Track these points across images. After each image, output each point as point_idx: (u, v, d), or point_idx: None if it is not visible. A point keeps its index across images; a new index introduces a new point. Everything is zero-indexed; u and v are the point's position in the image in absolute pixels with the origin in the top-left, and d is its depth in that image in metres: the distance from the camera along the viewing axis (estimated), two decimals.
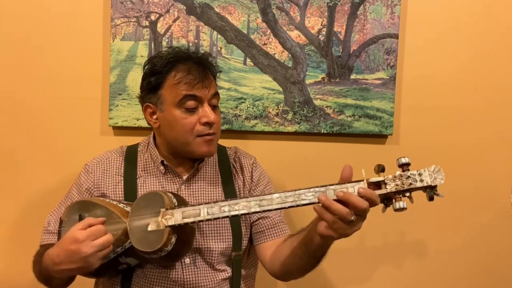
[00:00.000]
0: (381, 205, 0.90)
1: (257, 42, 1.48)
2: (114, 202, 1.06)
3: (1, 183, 1.52)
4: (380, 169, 0.90)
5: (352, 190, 0.88)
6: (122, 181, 1.15)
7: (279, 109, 1.49)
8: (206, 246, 1.11)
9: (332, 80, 1.48)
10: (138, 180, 1.16)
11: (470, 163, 1.51)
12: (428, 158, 1.48)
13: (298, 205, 0.91)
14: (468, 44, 1.49)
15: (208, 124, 1.09)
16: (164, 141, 1.15)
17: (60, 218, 1.10)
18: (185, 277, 1.10)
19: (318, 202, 0.89)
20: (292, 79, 1.48)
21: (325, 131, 1.48)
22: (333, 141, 1.51)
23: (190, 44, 1.47)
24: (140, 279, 1.11)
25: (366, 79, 1.48)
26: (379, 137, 1.51)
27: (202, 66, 1.10)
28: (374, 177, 0.90)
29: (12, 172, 1.52)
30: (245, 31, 1.48)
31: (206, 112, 1.08)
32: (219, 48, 1.49)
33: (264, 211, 0.94)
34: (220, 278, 1.13)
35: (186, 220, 0.95)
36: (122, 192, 1.14)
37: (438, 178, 0.87)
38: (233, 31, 1.48)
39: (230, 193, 1.17)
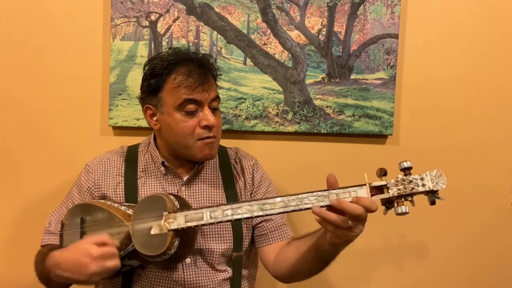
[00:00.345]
0: (382, 208, 0.90)
1: (257, 42, 1.48)
2: (116, 205, 1.06)
3: (1, 183, 1.52)
4: (382, 173, 0.90)
5: (354, 194, 0.89)
6: (123, 182, 1.15)
7: (279, 109, 1.49)
8: (207, 246, 1.11)
9: (332, 80, 1.48)
10: (138, 181, 1.15)
11: (470, 163, 1.51)
12: (428, 158, 1.49)
13: (300, 209, 0.92)
14: (468, 44, 1.49)
15: (208, 127, 1.08)
16: (165, 142, 1.15)
17: (62, 221, 1.10)
18: (185, 277, 1.10)
19: (322, 206, 0.90)
20: (292, 79, 1.48)
21: (325, 131, 1.48)
22: (333, 141, 1.51)
23: (190, 44, 1.47)
24: (141, 280, 1.11)
25: (366, 79, 1.48)
26: (379, 137, 1.51)
27: (202, 69, 1.10)
28: (376, 180, 0.91)
29: (12, 172, 1.52)
30: (245, 31, 1.48)
31: (206, 115, 1.08)
32: (219, 48, 1.49)
33: (266, 215, 0.94)
34: (220, 278, 1.13)
35: (189, 224, 0.95)
36: (123, 193, 1.14)
37: (440, 183, 0.88)
38: (233, 31, 1.48)
39: (231, 194, 1.17)
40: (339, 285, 1.55)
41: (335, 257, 1.00)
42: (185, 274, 1.10)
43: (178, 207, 0.99)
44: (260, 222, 1.18)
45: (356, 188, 0.90)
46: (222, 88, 1.46)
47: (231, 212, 0.94)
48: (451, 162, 1.50)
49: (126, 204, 1.09)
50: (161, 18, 1.47)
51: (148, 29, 1.48)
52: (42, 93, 1.50)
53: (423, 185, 0.88)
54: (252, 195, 1.20)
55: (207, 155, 1.11)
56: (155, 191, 1.14)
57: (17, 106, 1.51)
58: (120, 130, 1.50)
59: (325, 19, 1.47)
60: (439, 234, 1.53)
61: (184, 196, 1.12)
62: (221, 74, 1.21)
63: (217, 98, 1.13)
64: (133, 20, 1.47)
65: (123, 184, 1.15)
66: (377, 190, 0.90)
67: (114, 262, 0.94)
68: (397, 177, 0.90)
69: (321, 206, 0.90)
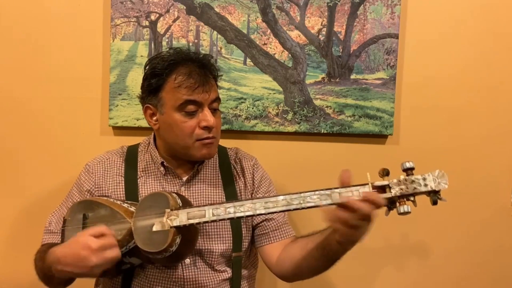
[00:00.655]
0: (384, 208, 0.91)
1: (257, 42, 1.48)
2: (118, 202, 1.07)
3: (1, 183, 1.52)
4: (385, 173, 0.90)
5: (357, 193, 0.89)
6: (123, 182, 1.15)
7: (279, 109, 1.49)
8: (206, 247, 1.11)
9: (332, 80, 1.48)
10: (138, 180, 1.16)
11: (470, 163, 1.51)
12: (428, 158, 1.48)
13: (303, 208, 0.92)
14: (468, 44, 1.49)
15: (208, 128, 1.08)
16: (164, 143, 1.15)
17: (64, 217, 1.10)
18: (185, 277, 1.10)
19: (322, 206, 0.90)
20: (292, 79, 1.48)
21: (325, 131, 1.48)
22: (333, 141, 1.51)
23: (190, 44, 1.47)
24: (141, 279, 1.11)
25: (366, 79, 1.48)
26: (379, 137, 1.51)
27: (203, 69, 1.09)
28: (378, 180, 0.91)
29: (12, 172, 1.52)
30: (245, 31, 1.48)
31: (206, 116, 1.08)
32: (219, 48, 1.49)
33: (269, 213, 0.94)
34: (220, 278, 1.13)
35: (191, 221, 0.95)
36: (123, 193, 1.14)
37: (442, 183, 0.88)
38: (233, 31, 1.48)
39: (231, 194, 1.17)
40: (341, 285, 1.55)
41: (342, 256, 1.00)
42: (185, 274, 1.10)
43: (180, 204, 0.99)
44: (261, 222, 1.18)
45: (359, 187, 0.90)
46: (222, 88, 1.47)
47: (233, 209, 0.95)
48: (451, 162, 1.50)
49: (129, 201, 1.09)
50: (161, 18, 1.47)
51: (148, 29, 1.48)
52: (42, 93, 1.50)
53: (426, 185, 0.88)
54: (253, 195, 1.20)
55: (205, 155, 1.11)
56: (155, 191, 1.14)
57: (17, 106, 1.51)
58: (120, 130, 1.50)
59: (325, 19, 1.47)
60: (439, 233, 1.53)
61: None
62: (221, 75, 1.21)
63: (217, 99, 1.12)
64: (133, 20, 1.47)
65: (123, 184, 1.15)
66: (380, 189, 0.90)
67: (114, 253, 0.94)
68: (400, 177, 0.90)
69: (325, 205, 0.90)
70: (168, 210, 0.97)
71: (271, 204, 0.93)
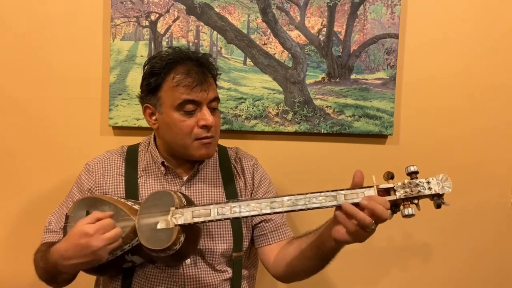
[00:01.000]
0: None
1: (257, 42, 1.48)
2: (122, 200, 1.07)
3: (0, 183, 1.52)
4: (390, 176, 0.92)
5: (362, 195, 0.90)
6: (123, 181, 1.15)
7: (279, 109, 1.49)
8: (207, 247, 1.11)
9: (332, 80, 1.48)
10: (139, 180, 1.15)
11: (470, 163, 1.51)
12: (428, 158, 1.49)
13: (308, 209, 0.92)
14: (468, 44, 1.49)
15: (206, 127, 1.08)
16: (164, 142, 1.15)
17: (66, 213, 1.09)
18: (186, 277, 1.10)
19: (327, 207, 0.91)
20: (292, 79, 1.48)
21: (325, 131, 1.48)
22: (333, 141, 1.51)
23: (190, 44, 1.47)
24: (141, 279, 1.11)
25: (366, 79, 1.48)
26: (379, 137, 1.51)
27: (201, 68, 1.09)
28: (380, 182, 0.92)
29: (12, 172, 1.52)
30: (245, 31, 1.48)
31: (205, 115, 1.07)
32: (219, 48, 1.49)
33: (275, 213, 0.95)
34: (220, 278, 1.13)
35: (196, 220, 0.95)
36: (123, 192, 1.14)
37: (446, 187, 0.89)
38: (233, 31, 1.48)
39: (231, 194, 1.17)
40: (344, 285, 1.54)
41: (335, 255, 1.00)
42: (185, 274, 1.10)
43: (185, 203, 0.99)
44: (259, 222, 1.18)
45: (364, 189, 0.91)
46: (222, 88, 1.47)
47: (238, 209, 0.95)
48: (451, 162, 1.50)
49: (132, 200, 1.09)
50: (161, 18, 1.47)
51: (148, 29, 1.48)
52: (42, 93, 1.50)
53: (430, 188, 0.89)
54: (252, 194, 1.20)
55: (203, 155, 1.11)
56: (155, 190, 1.14)
57: (17, 106, 1.51)
58: (120, 130, 1.50)
59: (325, 19, 1.47)
60: (439, 233, 1.53)
61: None
62: (220, 74, 1.21)
63: (216, 99, 1.12)
64: (133, 20, 1.47)
65: (123, 184, 1.15)
66: (384, 192, 0.91)
67: (114, 231, 0.94)
68: (404, 180, 0.91)
69: (329, 207, 0.91)
70: (173, 208, 0.97)
71: (276, 204, 0.94)
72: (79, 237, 0.92)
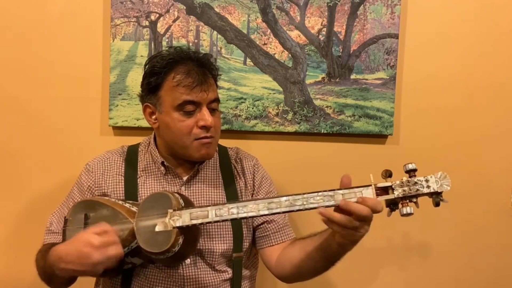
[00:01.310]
0: (386, 209, 0.91)
1: (257, 42, 1.48)
2: (120, 202, 1.06)
3: (1, 183, 1.52)
4: (388, 174, 0.91)
5: (360, 194, 0.90)
6: (123, 181, 1.15)
7: (279, 109, 1.49)
8: (206, 247, 1.11)
9: (332, 80, 1.48)
10: (138, 180, 1.15)
11: (470, 163, 1.51)
12: (428, 158, 1.49)
13: (306, 209, 0.92)
14: (468, 44, 1.49)
15: (206, 127, 1.08)
16: (164, 142, 1.15)
17: (65, 217, 1.09)
18: (185, 277, 1.10)
19: (325, 207, 0.91)
20: (292, 79, 1.48)
21: (325, 131, 1.48)
22: (333, 141, 1.51)
23: (190, 44, 1.47)
24: (141, 280, 1.11)
25: (366, 79, 1.48)
26: (379, 137, 1.51)
27: (202, 68, 1.09)
28: (380, 181, 0.92)
29: (12, 172, 1.52)
30: (245, 31, 1.48)
31: (204, 116, 1.07)
32: (219, 48, 1.49)
33: (272, 213, 0.94)
34: (220, 279, 1.13)
35: (194, 222, 0.95)
36: (123, 192, 1.14)
37: (444, 185, 0.89)
38: (233, 31, 1.48)
39: (231, 194, 1.17)
40: (343, 285, 1.55)
41: (341, 258, 1.01)
42: (185, 274, 1.10)
43: (182, 205, 0.99)
44: (261, 223, 1.18)
45: (362, 188, 0.91)
46: (222, 88, 1.46)
47: (236, 210, 0.95)
48: (451, 162, 1.50)
49: (130, 201, 1.09)
50: (161, 18, 1.47)
51: (148, 29, 1.48)
52: (42, 93, 1.50)
53: (428, 186, 0.89)
54: (253, 195, 1.20)
55: (203, 155, 1.11)
56: (155, 190, 1.14)
57: (17, 106, 1.51)
58: (120, 130, 1.50)
59: (325, 19, 1.47)
60: (440, 233, 1.53)
61: None
62: (220, 75, 1.21)
63: (216, 100, 1.12)
64: (133, 20, 1.47)
65: (123, 184, 1.15)
66: (382, 191, 0.91)
67: (116, 250, 0.93)
68: (402, 179, 0.91)
69: (327, 206, 0.91)
70: (170, 210, 0.97)
71: (274, 205, 0.93)
72: (84, 245, 0.92)
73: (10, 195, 1.52)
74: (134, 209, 1.02)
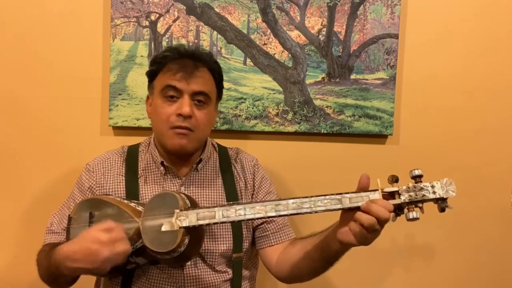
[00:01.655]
0: (391, 214, 0.91)
1: (257, 42, 1.48)
2: (126, 201, 1.06)
3: (0, 183, 1.52)
4: (394, 179, 0.92)
5: (367, 199, 0.90)
6: (124, 181, 1.15)
7: (279, 109, 1.49)
8: (206, 247, 1.11)
9: (332, 80, 1.48)
10: (139, 180, 1.15)
11: (470, 163, 1.51)
12: (428, 158, 1.49)
13: (313, 212, 0.92)
14: (468, 44, 1.49)
15: (182, 116, 1.07)
16: (154, 134, 1.16)
17: (69, 215, 1.09)
18: (186, 278, 1.10)
19: (332, 210, 0.91)
20: (292, 79, 1.48)
21: (325, 131, 1.48)
22: (333, 141, 1.51)
23: (190, 44, 1.47)
24: (141, 280, 1.11)
25: (366, 79, 1.48)
26: (379, 137, 1.51)
27: (196, 62, 1.11)
28: (382, 184, 0.92)
29: (12, 172, 1.52)
30: (245, 31, 1.48)
31: (182, 104, 1.07)
32: (219, 48, 1.49)
33: (280, 215, 0.94)
34: (221, 279, 1.13)
35: (201, 222, 0.95)
36: (124, 192, 1.14)
37: (450, 191, 0.90)
38: (233, 31, 1.48)
39: (231, 194, 1.16)
40: (346, 285, 1.54)
41: (340, 258, 1.01)
42: (185, 275, 1.10)
43: (189, 205, 0.99)
44: (261, 224, 1.18)
45: (369, 193, 0.91)
46: None
47: (243, 211, 0.95)
48: (451, 162, 1.50)
49: (135, 201, 1.09)
50: (161, 18, 1.47)
51: (148, 29, 1.48)
52: (42, 93, 1.50)
53: (434, 192, 0.90)
54: (253, 195, 1.20)
55: (175, 146, 1.09)
56: (155, 190, 1.14)
57: (17, 106, 1.51)
58: (120, 130, 1.50)
59: (325, 19, 1.47)
60: (440, 233, 1.53)
61: None
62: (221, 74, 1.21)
63: (202, 93, 1.10)
64: (133, 20, 1.47)
65: (124, 184, 1.15)
66: (389, 195, 0.92)
67: (124, 246, 0.93)
68: (408, 184, 0.92)
69: (335, 210, 0.91)
70: (177, 210, 0.97)
71: (282, 207, 0.94)
72: (92, 243, 0.91)
73: (10, 195, 1.52)
74: (140, 208, 1.02)
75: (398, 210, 0.92)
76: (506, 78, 1.50)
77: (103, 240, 0.91)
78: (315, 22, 1.47)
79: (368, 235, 0.89)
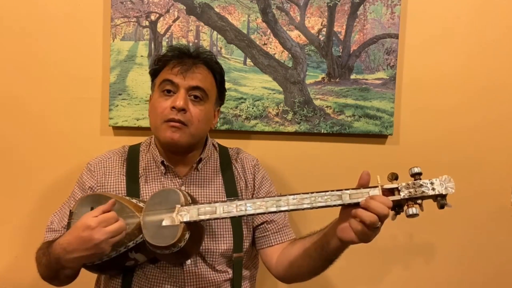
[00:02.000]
0: (391, 212, 0.91)
1: (257, 42, 1.48)
2: (127, 198, 1.07)
3: (1, 183, 1.52)
4: (394, 177, 0.92)
5: (367, 195, 0.91)
6: (124, 181, 1.15)
7: (279, 109, 1.49)
8: (207, 247, 1.11)
9: (332, 80, 1.48)
10: (140, 180, 1.16)
11: (470, 163, 1.51)
12: (428, 158, 1.49)
13: (313, 208, 0.93)
14: (468, 43, 1.49)
15: (175, 108, 1.07)
16: (151, 130, 1.16)
17: (70, 210, 1.09)
18: (186, 278, 1.10)
19: (332, 206, 0.91)
20: (292, 79, 1.48)
21: (325, 131, 1.48)
22: (333, 141, 1.51)
23: (190, 44, 1.47)
24: (141, 279, 1.11)
25: (366, 79, 1.48)
26: (379, 137, 1.51)
27: (195, 59, 1.13)
28: (382, 182, 0.92)
29: (12, 172, 1.52)
30: (245, 31, 1.48)
31: (177, 97, 1.08)
32: (219, 48, 1.49)
33: (280, 211, 0.95)
34: (221, 279, 1.13)
35: (202, 217, 0.96)
36: (125, 191, 1.14)
37: (449, 188, 0.90)
38: (233, 31, 1.48)
39: (231, 194, 1.16)
40: (345, 285, 1.54)
41: (339, 256, 1.01)
42: (185, 274, 1.10)
43: (190, 201, 0.99)
44: (261, 224, 1.18)
45: (369, 189, 0.92)
46: None
47: (244, 207, 0.95)
48: (451, 162, 1.50)
49: (137, 198, 1.09)
50: (161, 18, 1.47)
51: (148, 29, 1.48)
52: (42, 93, 1.50)
53: (433, 189, 0.91)
54: (254, 195, 1.20)
55: (167, 139, 1.08)
56: (155, 190, 1.13)
57: (17, 106, 1.51)
58: (120, 130, 1.50)
59: (325, 19, 1.47)
60: (440, 233, 1.53)
61: None
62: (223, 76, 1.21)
63: (199, 88, 1.10)
64: (133, 20, 1.47)
65: (124, 183, 1.15)
66: (389, 192, 0.92)
67: (117, 224, 0.94)
68: (408, 181, 0.92)
69: (335, 206, 0.92)
70: (178, 205, 0.97)
71: (282, 202, 0.94)
72: (82, 230, 0.93)
73: (10, 195, 1.52)
74: (141, 204, 1.03)
75: (398, 208, 0.92)
76: (506, 78, 1.50)
77: (92, 225, 0.92)
78: (315, 22, 1.48)
79: (369, 232, 0.89)
